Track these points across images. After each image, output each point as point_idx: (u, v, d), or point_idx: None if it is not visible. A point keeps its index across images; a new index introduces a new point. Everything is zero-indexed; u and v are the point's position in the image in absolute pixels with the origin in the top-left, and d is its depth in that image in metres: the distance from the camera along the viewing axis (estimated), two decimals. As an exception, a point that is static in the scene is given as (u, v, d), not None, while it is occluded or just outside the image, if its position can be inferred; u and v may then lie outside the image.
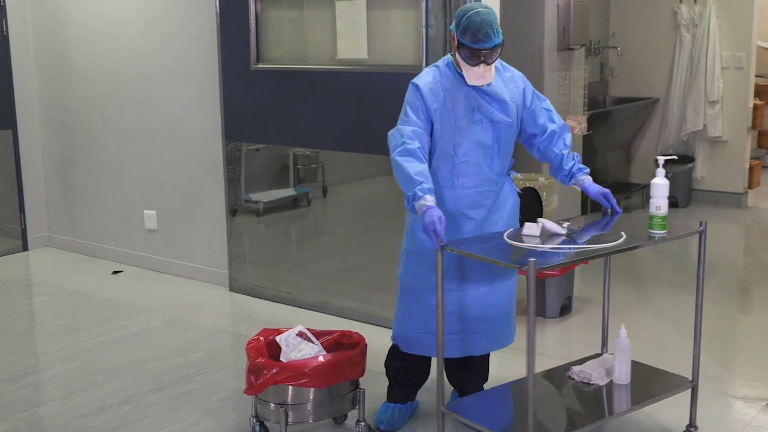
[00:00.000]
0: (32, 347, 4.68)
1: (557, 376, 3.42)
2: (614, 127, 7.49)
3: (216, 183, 5.40)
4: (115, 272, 5.93)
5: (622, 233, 3.03)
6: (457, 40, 3.04)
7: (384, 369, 3.55)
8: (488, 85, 3.12)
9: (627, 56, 7.81)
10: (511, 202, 3.32)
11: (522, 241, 2.98)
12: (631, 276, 5.52)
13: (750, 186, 7.52)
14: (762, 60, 8.13)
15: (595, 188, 3.25)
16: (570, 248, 2.90)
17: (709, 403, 3.42)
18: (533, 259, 2.63)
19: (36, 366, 4.36)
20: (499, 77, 3.18)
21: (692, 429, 3.35)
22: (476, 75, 3.06)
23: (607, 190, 3.23)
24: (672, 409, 3.43)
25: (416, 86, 3.15)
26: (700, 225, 3.18)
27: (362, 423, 3.39)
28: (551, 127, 3.28)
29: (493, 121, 3.15)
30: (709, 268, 5.66)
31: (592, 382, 3.29)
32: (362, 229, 4.88)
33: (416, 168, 3.01)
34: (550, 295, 4.76)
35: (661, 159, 3.23)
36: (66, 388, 4.01)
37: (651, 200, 3.15)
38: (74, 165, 6.34)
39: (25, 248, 6.52)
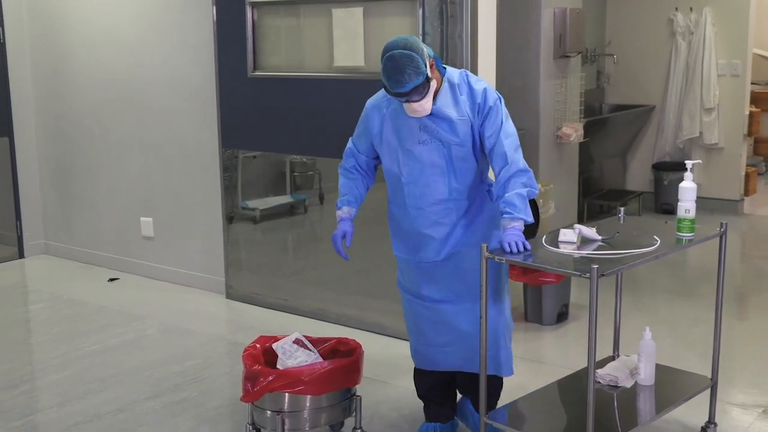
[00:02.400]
0: (28, 355, 4.66)
1: (576, 381, 3.41)
2: (610, 134, 7.50)
3: (213, 190, 5.40)
4: (112, 280, 5.92)
5: (656, 237, 3.06)
6: None
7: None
8: (434, 103, 3.05)
9: (623, 64, 7.83)
10: (487, 213, 3.21)
11: (558, 247, 2.98)
12: (626, 282, 5.51)
13: (746, 193, 7.53)
14: (758, 67, 8.16)
15: (504, 236, 3.02)
16: (622, 253, 2.90)
17: (705, 410, 3.42)
18: (596, 266, 2.64)
19: (32, 374, 4.35)
20: (450, 94, 3.08)
21: (711, 425, 3.38)
22: (410, 109, 3.03)
23: (506, 243, 2.94)
24: (684, 406, 3.41)
25: (366, 107, 3.26)
26: (721, 227, 3.20)
27: (359, 430, 3.38)
28: (499, 172, 3.08)
29: (442, 140, 3.09)
30: (705, 275, 5.71)
31: (619, 385, 3.29)
32: (359, 236, 4.84)
33: (344, 183, 3.36)
34: (547, 302, 4.76)
35: (689, 163, 3.23)
36: (61, 395, 4.00)
37: (679, 204, 3.18)
38: (71, 172, 6.33)
39: (21, 256, 6.50)
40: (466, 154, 3.12)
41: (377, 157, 3.30)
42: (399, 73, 2.89)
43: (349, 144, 3.36)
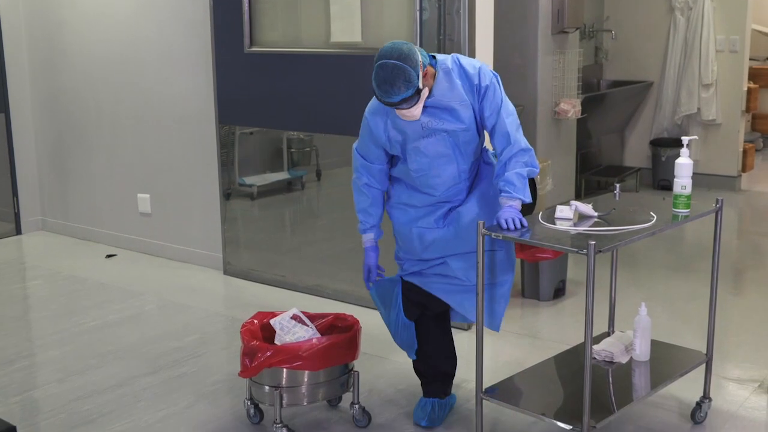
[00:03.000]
0: (26, 331, 4.68)
1: (572, 356, 3.42)
2: (608, 110, 7.49)
3: (210, 167, 5.39)
4: (109, 256, 5.93)
5: (652, 213, 3.07)
6: None
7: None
8: (431, 97, 3.04)
9: (621, 39, 7.80)
10: (484, 183, 3.25)
11: (555, 224, 2.99)
12: (623, 258, 5.53)
13: (744, 169, 7.53)
14: (756, 43, 8.13)
15: (501, 213, 3.02)
16: (619, 229, 2.91)
17: (700, 385, 3.44)
18: (593, 242, 2.64)
19: (30, 350, 4.36)
20: (446, 83, 3.06)
21: (706, 400, 3.40)
22: (400, 114, 3.04)
23: (503, 220, 2.94)
24: (679, 381, 3.43)
25: (365, 117, 3.21)
26: (717, 203, 3.21)
27: (356, 405, 3.40)
28: (501, 152, 3.10)
29: (447, 130, 3.09)
30: (702, 251, 5.73)
31: (614, 360, 3.31)
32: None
33: (361, 205, 3.34)
34: (544, 278, 4.78)
35: (686, 139, 3.24)
36: (60, 371, 4.02)
37: (676, 180, 3.17)
38: (67, 149, 6.32)
39: (18, 232, 6.51)
40: (472, 137, 3.14)
41: (391, 158, 3.28)
42: (389, 84, 2.88)
43: (358, 158, 3.29)
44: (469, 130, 3.11)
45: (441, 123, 3.08)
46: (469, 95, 3.07)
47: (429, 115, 3.07)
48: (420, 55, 2.95)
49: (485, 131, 3.16)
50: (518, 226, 2.93)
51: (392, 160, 3.29)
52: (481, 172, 3.27)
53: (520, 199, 3.02)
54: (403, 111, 2.99)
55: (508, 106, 3.10)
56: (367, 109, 3.22)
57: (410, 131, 3.12)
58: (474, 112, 3.09)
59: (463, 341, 3.93)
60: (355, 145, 3.32)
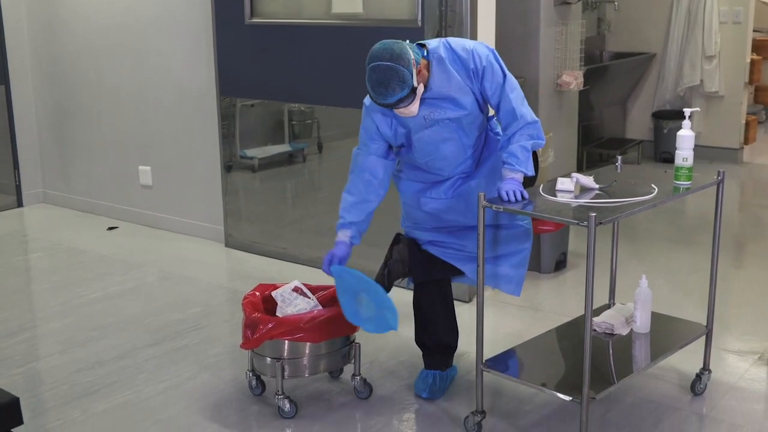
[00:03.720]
0: (28, 303, 4.69)
1: (573, 328, 3.43)
2: (611, 82, 7.45)
3: (211, 139, 5.38)
4: (111, 228, 5.93)
5: (653, 185, 3.06)
6: None
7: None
8: (428, 90, 3.02)
9: (624, 11, 7.74)
10: (494, 157, 3.23)
11: (556, 196, 2.98)
12: (625, 231, 5.53)
13: (746, 142, 7.51)
14: (760, 14, 8.06)
15: (502, 185, 3.01)
16: (619, 202, 2.90)
17: (700, 357, 3.45)
18: (593, 214, 2.64)
19: (32, 321, 4.38)
20: (442, 73, 3.02)
21: (705, 372, 3.42)
22: (399, 112, 3.01)
23: (504, 192, 2.94)
24: (680, 353, 3.44)
25: (366, 109, 3.17)
26: (718, 175, 3.20)
27: (358, 377, 3.41)
28: (507, 126, 3.09)
29: (450, 118, 3.08)
30: (703, 223, 5.72)
31: (614, 333, 3.32)
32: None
33: (347, 199, 3.25)
34: (545, 250, 4.78)
35: (688, 111, 3.23)
36: (63, 343, 4.03)
37: (677, 152, 3.16)
38: (68, 120, 6.30)
39: (19, 204, 6.50)
40: (475, 118, 3.13)
41: (391, 149, 3.25)
42: (383, 86, 2.86)
43: (358, 159, 3.22)
44: (472, 114, 3.10)
45: (443, 112, 3.06)
46: (467, 80, 3.04)
47: (430, 107, 3.05)
48: (412, 53, 2.90)
49: (489, 106, 3.14)
50: (518, 198, 2.93)
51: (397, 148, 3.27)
52: (489, 144, 3.25)
53: (522, 171, 3.01)
54: (401, 109, 2.97)
55: (511, 81, 3.06)
56: (366, 104, 3.17)
57: (413, 124, 3.10)
58: (475, 95, 3.07)
59: (463, 313, 3.93)
60: (356, 149, 3.26)
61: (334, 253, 3.27)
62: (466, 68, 3.03)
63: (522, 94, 3.09)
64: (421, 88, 2.96)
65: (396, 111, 3.01)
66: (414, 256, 3.33)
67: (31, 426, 3.22)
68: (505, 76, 3.06)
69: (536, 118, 3.09)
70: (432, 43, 3.07)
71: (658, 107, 7.72)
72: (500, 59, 3.08)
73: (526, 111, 3.07)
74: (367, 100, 3.17)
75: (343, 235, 3.27)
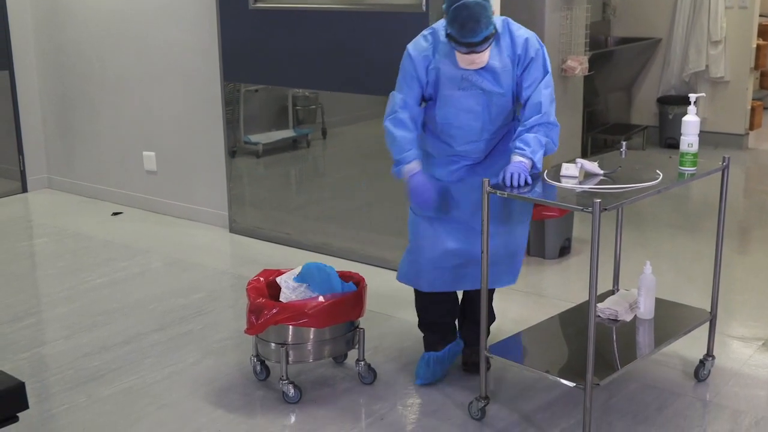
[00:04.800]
0: (33, 288, 4.70)
1: (577, 314, 3.43)
2: (616, 67, 7.42)
3: (215, 124, 5.37)
4: (115, 214, 5.94)
5: (658, 171, 3.05)
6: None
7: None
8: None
9: (630, -5, 7.71)
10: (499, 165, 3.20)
11: (560, 182, 2.97)
12: (628, 216, 5.52)
13: (751, 127, 7.48)
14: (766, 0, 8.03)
15: (508, 167, 3.00)
16: (624, 188, 2.89)
17: (704, 343, 3.45)
18: (598, 200, 2.63)
19: (38, 307, 4.39)
20: (494, 43, 3.03)
21: (709, 358, 3.42)
22: (467, 61, 2.99)
23: (509, 174, 2.94)
24: (683, 339, 3.44)
25: (409, 54, 3.13)
26: (723, 161, 3.19)
27: (362, 362, 3.42)
28: (528, 118, 3.09)
29: (484, 89, 3.07)
30: (707, 209, 5.71)
31: (618, 319, 3.32)
32: (362, 170, 4.87)
33: (404, 135, 3.11)
34: (549, 236, 4.77)
35: (693, 96, 3.21)
36: (68, 328, 4.05)
37: (682, 137, 3.14)
38: (72, 106, 6.30)
39: (24, 190, 6.51)
40: (506, 103, 3.12)
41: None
42: (475, 21, 2.85)
43: (398, 98, 3.15)
44: (505, 96, 3.10)
45: (480, 80, 3.06)
46: (511, 63, 3.06)
47: (471, 71, 3.04)
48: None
49: (519, 98, 3.14)
50: (521, 183, 2.92)
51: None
52: (503, 153, 3.22)
53: (531, 159, 3.00)
54: (474, 56, 2.95)
55: (549, 79, 3.09)
56: (411, 49, 3.13)
57: (448, 79, 3.08)
58: (513, 80, 3.08)
59: (468, 299, 3.93)
60: (393, 92, 3.20)
61: (423, 183, 3.12)
62: (514, 53, 3.06)
63: (553, 96, 3.11)
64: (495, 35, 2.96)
65: (467, 59, 2.96)
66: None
67: (37, 411, 3.23)
68: (546, 73, 3.08)
69: (558, 123, 3.10)
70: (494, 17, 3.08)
71: (663, 93, 7.70)
72: (547, 57, 3.10)
73: (552, 111, 3.08)
74: (410, 45, 3.14)
75: (416, 165, 3.13)
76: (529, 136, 3.03)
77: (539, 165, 3.03)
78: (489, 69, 3.04)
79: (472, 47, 2.91)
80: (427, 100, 3.20)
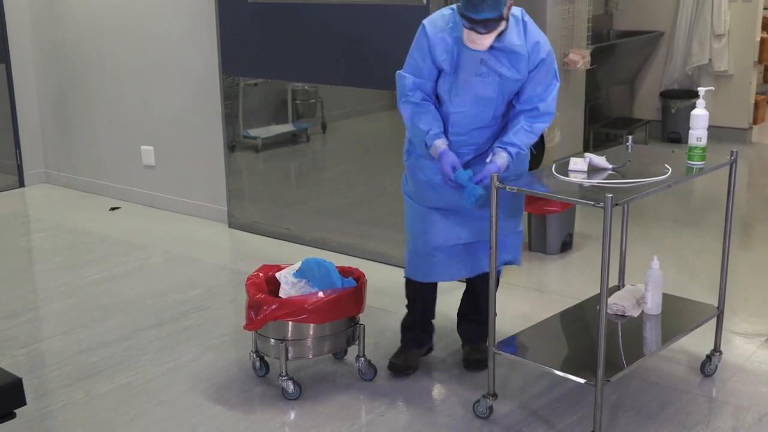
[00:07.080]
0: (31, 284, 4.67)
1: (581, 311, 3.41)
2: (618, 61, 7.39)
3: (214, 118, 5.34)
4: (113, 209, 5.91)
5: (667, 166, 3.02)
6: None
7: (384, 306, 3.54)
8: (500, 40, 2.97)
9: (632, -12, 7.67)
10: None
11: (568, 176, 2.95)
12: (632, 212, 5.49)
13: (755, 122, 7.45)
14: (770, -7, 7.98)
15: (487, 167, 3.05)
16: (635, 182, 2.87)
17: (710, 339, 3.42)
18: (610, 195, 2.60)
19: (35, 302, 4.36)
20: (515, 29, 3.01)
21: (716, 354, 3.39)
22: (469, 38, 2.95)
23: (486, 175, 2.99)
24: (689, 335, 3.41)
25: (424, 29, 3.07)
26: (731, 155, 3.16)
27: (362, 358, 3.39)
28: (535, 105, 3.11)
29: (501, 75, 3.03)
30: (711, 204, 5.67)
31: (625, 314, 3.29)
32: (362, 165, 4.84)
33: (423, 117, 3.09)
34: (551, 231, 4.74)
35: (702, 90, 3.19)
36: (66, 324, 4.02)
37: (691, 131, 3.12)
38: (70, 100, 6.26)
39: (21, 184, 6.48)
40: (516, 89, 3.10)
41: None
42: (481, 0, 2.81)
43: (407, 76, 3.10)
44: (519, 82, 3.07)
45: (499, 66, 3.02)
46: (529, 52, 3.04)
47: (492, 55, 3.00)
48: None
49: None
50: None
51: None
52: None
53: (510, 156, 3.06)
54: (475, 36, 2.91)
55: (554, 86, 3.11)
56: (427, 24, 3.08)
57: (467, 63, 3.03)
58: (527, 69, 3.06)
59: (469, 294, 3.90)
60: (400, 71, 3.15)
61: (450, 161, 3.07)
62: (531, 43, 3.04)
63: (556, 93, 3.14)
64: (503, 25, 2.92)
65: (470, 36, 2.93)
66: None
67: (34, 407, 3.20)
68: (553, 79, 3.11)
69: (553, 112, 3.12)
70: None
71: (666, 86, 7.66)
72: (556, 64, 3.12)
73: (551, 101, 3.10)
74: (427, 21, 3.09)
75: (442, 144, 3.09)
76: (519, 132, 3.07)
77: (524, 148, 3.11)
78: (510, 52, 3.00)
79: (473, 23, 2.87)
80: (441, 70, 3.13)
